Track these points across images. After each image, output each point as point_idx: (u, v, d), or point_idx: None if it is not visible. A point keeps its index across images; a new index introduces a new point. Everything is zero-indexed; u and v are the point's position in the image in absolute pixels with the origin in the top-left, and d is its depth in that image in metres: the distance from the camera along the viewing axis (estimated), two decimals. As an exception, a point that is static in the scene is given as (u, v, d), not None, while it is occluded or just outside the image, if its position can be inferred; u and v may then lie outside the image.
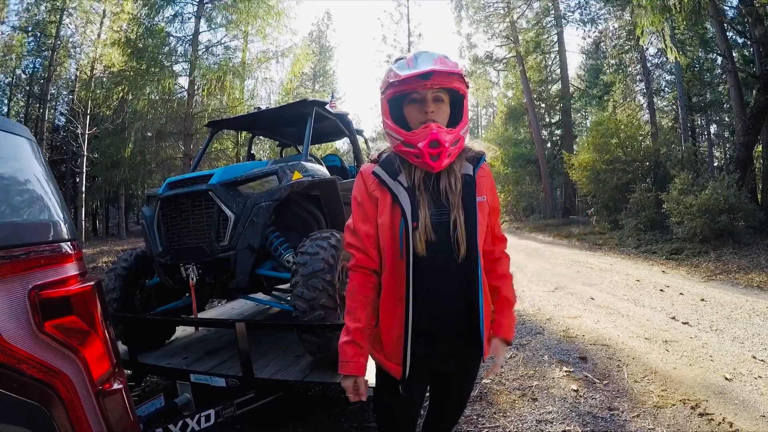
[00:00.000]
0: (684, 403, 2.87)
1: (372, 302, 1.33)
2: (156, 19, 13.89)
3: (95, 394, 1.02)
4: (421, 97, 1.26)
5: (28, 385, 0.90)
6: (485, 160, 1.39)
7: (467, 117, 1.31)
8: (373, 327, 1.39)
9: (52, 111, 21.09)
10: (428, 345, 1.29)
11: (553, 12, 21.66)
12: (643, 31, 11.15)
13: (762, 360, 3.50)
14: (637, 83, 20.21)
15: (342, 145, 23.96)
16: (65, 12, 16.78)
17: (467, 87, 1.30)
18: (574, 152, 18.12)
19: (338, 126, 4.48)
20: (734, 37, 13.87)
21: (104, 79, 15.36)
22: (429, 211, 1.26)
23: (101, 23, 16.96)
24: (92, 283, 1.09)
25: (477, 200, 1.29)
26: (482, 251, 1.32)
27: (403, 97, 1.29)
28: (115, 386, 1.09)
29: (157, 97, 14.11)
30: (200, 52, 13.89)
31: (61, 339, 0.98)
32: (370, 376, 2.20)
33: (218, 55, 14.45)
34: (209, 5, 14.09)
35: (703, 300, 5.51)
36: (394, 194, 1.27)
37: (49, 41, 17.32)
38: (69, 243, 1.10)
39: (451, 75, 1.23)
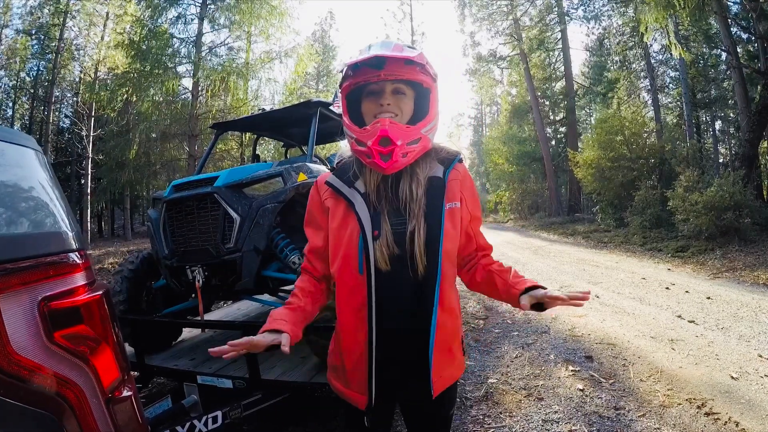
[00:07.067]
0: (690, 403, 2.86)
1: (301, 309, 1.19)
2: (159, 20, 13.92)
3: (105, 402, 1.02)
4: (379, 89, 1.12)
5: (40, 395, 0.91)
6: (460, 161, 1.21)
7: (434, 113, 1.14)
8: (329, 351, 1.29)
9: (57, 113, 21.27)
10: (389, 369, 1.13)
11: (556, 9, 21.60)
12: (647, 28, 11.12)
13: (769, 359, 3.49)
14: (642, 80, 20.19)
15: (346, 145, 24.02)
16: (69, 15, 16.95)
17: (434, 79, 1.14)
18: (579, 150, 18.08)
19: (342, 126, 4.48)
20: (738, 32, 13.80)
21: (108, 81, 15.44)
22: (390, 220, 1.11)
23: (104, 25, 17.12)
24: (101, 292, 1.10)
25: (445, 207, 1.12)
26: (457, 263, 1.21)
27: (361, 91, 1.15)
28: (125, 393, 1.10)
29: (161, 99, 14.15)
30: (204, 54, 13.91)
31: (72, 349, 0.98)
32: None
33: (222, 56, 14.50)
34: (212, 6, 14.12)
35: (709, 298, 5.48)
36: (349, 201, 1.13)
37: (53, 44, 17.51)
38: (76, 253, 1.11)
39: (410, 64, 1.08)
